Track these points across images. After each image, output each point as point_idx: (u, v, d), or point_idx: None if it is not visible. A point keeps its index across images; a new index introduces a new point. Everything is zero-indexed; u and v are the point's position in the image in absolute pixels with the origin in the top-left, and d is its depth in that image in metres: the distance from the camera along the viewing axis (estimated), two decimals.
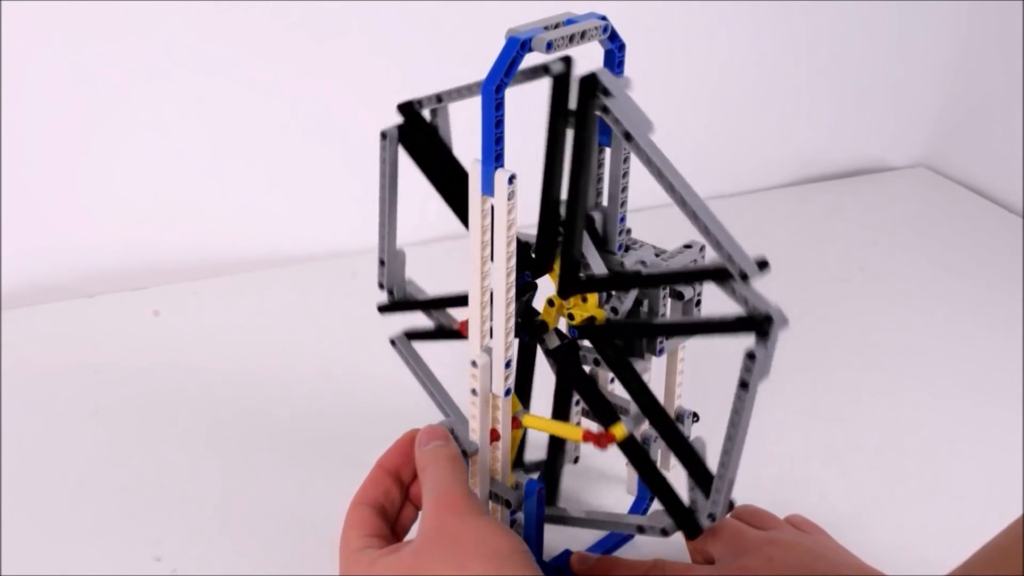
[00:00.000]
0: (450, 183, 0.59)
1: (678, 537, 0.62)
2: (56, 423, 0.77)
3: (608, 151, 0.57)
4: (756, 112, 1.16)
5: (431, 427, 0.58)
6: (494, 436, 0.58)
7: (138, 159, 0.94)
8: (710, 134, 1.14)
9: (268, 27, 0.92)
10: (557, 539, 0.64)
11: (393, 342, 0.65)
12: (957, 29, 1.18)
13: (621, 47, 0.54)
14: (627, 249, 0.59)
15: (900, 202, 1.18)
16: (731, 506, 0.54)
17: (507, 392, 0.57)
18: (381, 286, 0.64)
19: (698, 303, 0.60)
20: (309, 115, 0.97)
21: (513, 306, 0.55)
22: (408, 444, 0.58)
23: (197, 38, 0.91)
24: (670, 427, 0.55)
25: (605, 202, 0.59)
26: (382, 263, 0.63)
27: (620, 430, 0.55)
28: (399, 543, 0.54)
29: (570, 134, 0.53)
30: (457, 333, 0.63)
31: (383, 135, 0.59)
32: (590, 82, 0.50)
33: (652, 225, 0.66)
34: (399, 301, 0.64)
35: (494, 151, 0.51)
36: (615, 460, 0.70)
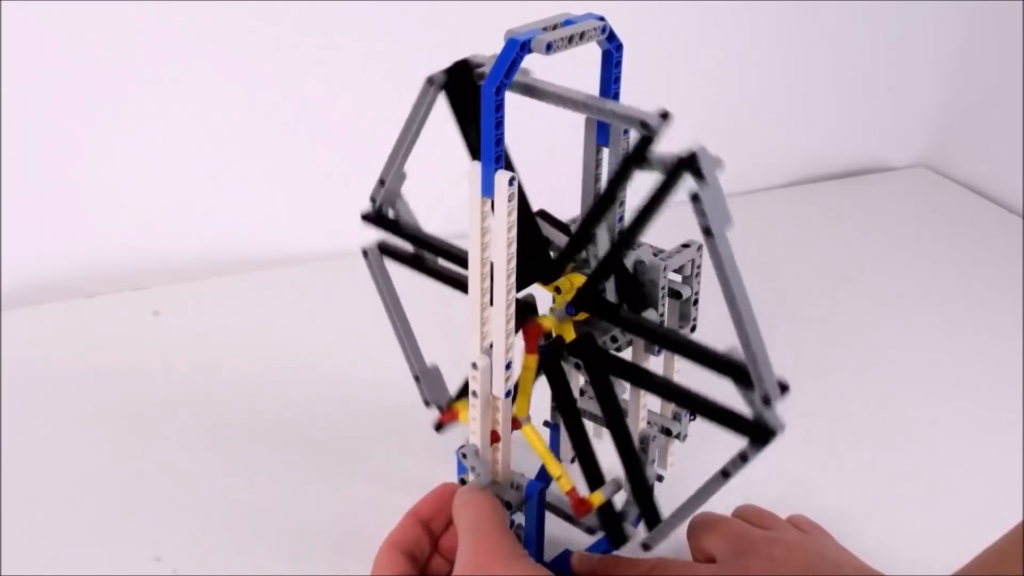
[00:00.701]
0: (447, 267, 0.60)
1: (680, 536, 0.62)
2: (56, 423, 0.77)
3: (606, 151, 0.57)
4: (756, 112, 1.16)
5: (472, 485, 0.58)
6: (494, 438, 0.58)
7: (138, 159, 0.94)
8: (710, 134, 1.12)
9: (268, 27, 0.92)
10: (557, 539, 0.64)
11: (365, 252, 0.62)
12: (957, 29, 1.18)
13: (619, 48, 0.54)
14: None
15: (900, 202, 1.18)
16: (784, 388, 0.51)
17: (507, 394, 0.57)
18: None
19: (695, 302, 0.60)
20: (309, 115, 0.97)
21: (513, 308, 0.55)
22: (443, 495, 0.58)
23: (197, 38, 0.91)
24: (633, 459, 0.56)
25: None
26: (382, 182, 0.60)
27: (598, 498, 0.57)
28: None
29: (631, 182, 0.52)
30: (436, 272, 0.61)
31: (429, 80, 0.57)
32: (688, 163, 0.47)
33: (653, 225, 0.66)
34: (384, 217, 0.61)
35: (494, 152, 0.51)
36: (614, 462, 0.70)
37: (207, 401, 0.79)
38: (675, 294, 0.59)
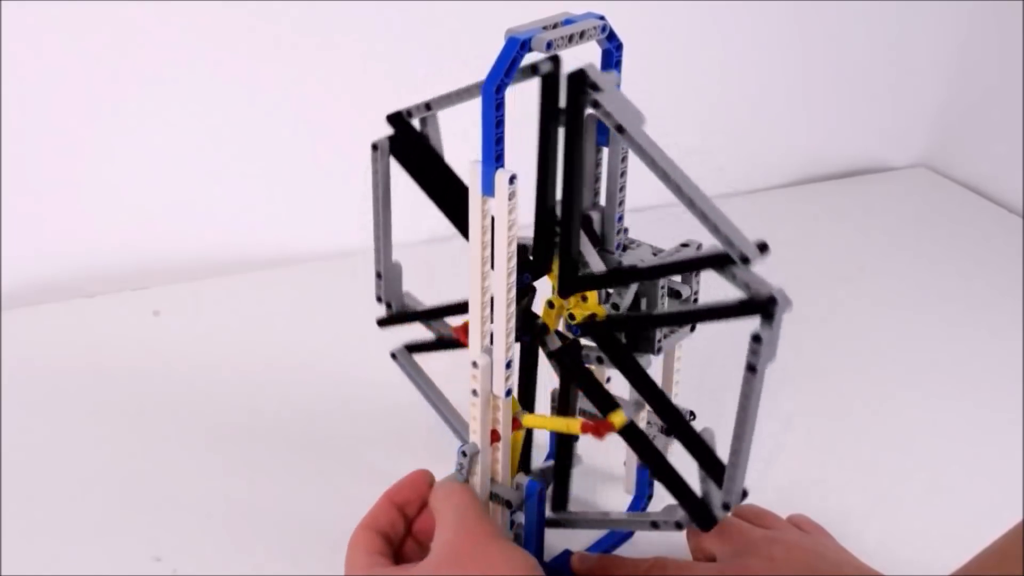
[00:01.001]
0: (445, 192, 0.59)
1: (679, 535, 0.62)
2: (56, 423, 0.77)
3: (606, 151, 0.57)
4: (756, 112, 1.16)
5: (451, 478, 0.58)
6: (495, 437, 0.59)
7: (138, 159, 0.94)
8: (710, 134, 1.14)
9: (268, 27, 0.92)
10: (557, 539, 0.64)
11: (394, 356, 0.66)
12: (957, 29, 1.18)
13: (619, 47, 0.54)
14: (625, 249, 0.59)
15: (900, 202, 1.18)
16: (745, 494, 0.53)
17: (507, 393, 0.57)
18: (379, 299, 0.64)
19: (695, 302, 0.60)
20: (309, 115, 0.97)
21: (514, 307, 0.55)
22: (417, 481, 0.58)
23: (198, 39, 0.91)
24: (678, 420, 0.55)
25: (603, 202, 0.59)
26: (379, 276, 0.63)
27: (619, 417, 0.55)
28: (409, 564, 0.54)
29: (562, 134, 0.53)
30: (457, 342, 0.63)
31: (374, 147, 0.59)
32: (578, 78, 0.50)
33: (652, 225, 0.66)
34: (398, 314, 0.64)
35: (494, 151, 0.51)
36: (615, 461, 0.70)
37: (207, 401, 0.79)
38: (675, 294, 0.59)
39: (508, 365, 0.56)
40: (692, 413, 0.62)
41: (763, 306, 0.47)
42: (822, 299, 0.96)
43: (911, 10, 1.16)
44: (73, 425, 0.76)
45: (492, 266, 0.54)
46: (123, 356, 0.85)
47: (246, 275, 0.98)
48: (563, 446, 0.62)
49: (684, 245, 0.59)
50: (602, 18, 0.52)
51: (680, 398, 0.64)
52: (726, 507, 0.52)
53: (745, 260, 0.47)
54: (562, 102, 0.52)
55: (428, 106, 0.57)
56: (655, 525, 0.57)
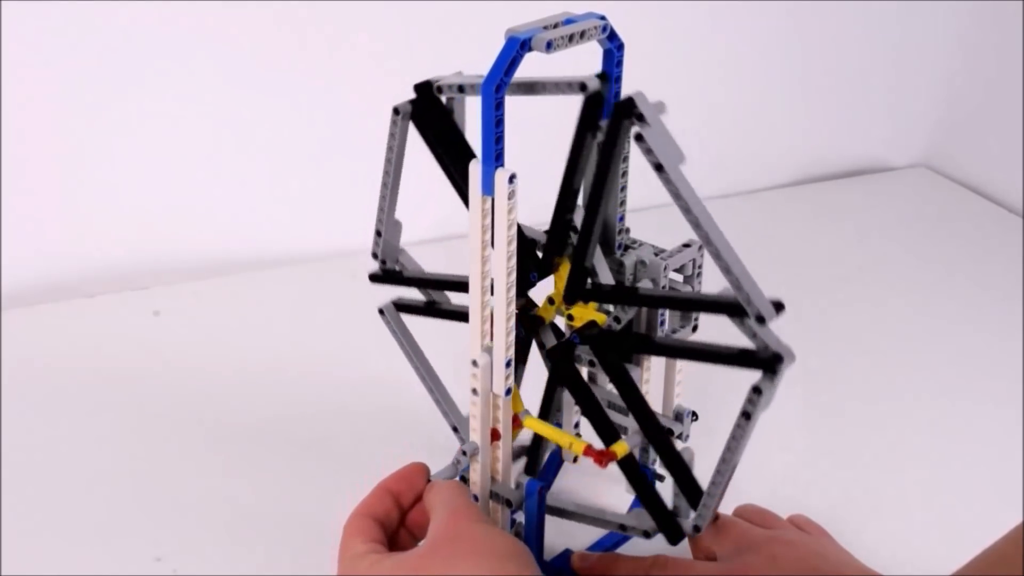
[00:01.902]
0: (460, 168, 0.59)
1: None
2: (56, 423, 0.77)
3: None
4: (756, 112, 1.16)
5: (444, 477, 0.59)
6: (495, 436, 0.59)
7: (138, 160, 0.94)
8: (710, 134, 1.14)
9: (269, 28, 0.92)
10: (558, 539, 0.64)
11: (381, 311, 0.65)
12: (957, 29, 1.18)
13: (620, 47, 0.54)
14: (626, 249, 0.59)
15: (900, 202, 1.18)
16: (716, 519, 0.56)
17: (507, 392, 0.57)
18: (375, 256, 0.63)
19: (696, 320, 0.60)
20: (309, 116, 0.97)
21: (513, 306, 0.55)
22: (413, 472, 0.58)
23: (198, 39, 0.91)
24: (660, 435, 0.55)
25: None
26: (378, 234, 0.62)
27: (622, 448, 0.56)
28: (403, 551, 0.54)
29: (595, 149, 0.53)
30: (449, 312, 0.63)
31: (395, 110, 0.58)
32: (627, 106, 0.49)
33: (653, 225, 0.66)
34: (390, 271, 0.63)
35: (494, 150, 0.51)
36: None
37: (207, 401, 0.79)
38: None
39: (508, 364, 0.56)
40: (695, 414, 0.62)
41: (768, 363, 0.48)
42: (822, 299, 0.96)
43: (911, 10, 1.16)
44: (73, 425, 0.76)
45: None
46: (123, 356, 0.85)
47: (246, 275, 0.98)
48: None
49: (686, 245, 0.59)
50: (603, 18, 0.52)
51: (683, 397, 0.64)
52: (696, 529, 0.54)
53: (761, 320, 0.48)
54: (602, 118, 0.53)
55: (461, 88, 0.56)
56: (623, 528, 0.59)
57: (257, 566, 0.65)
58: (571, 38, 0.50)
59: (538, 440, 0.64)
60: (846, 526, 0.68)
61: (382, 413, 0.77)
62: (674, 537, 0.56)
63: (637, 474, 0.57)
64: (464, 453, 0.58)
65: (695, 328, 0.61)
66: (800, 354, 0.87)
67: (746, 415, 0.49)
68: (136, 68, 0.90)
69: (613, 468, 0.66)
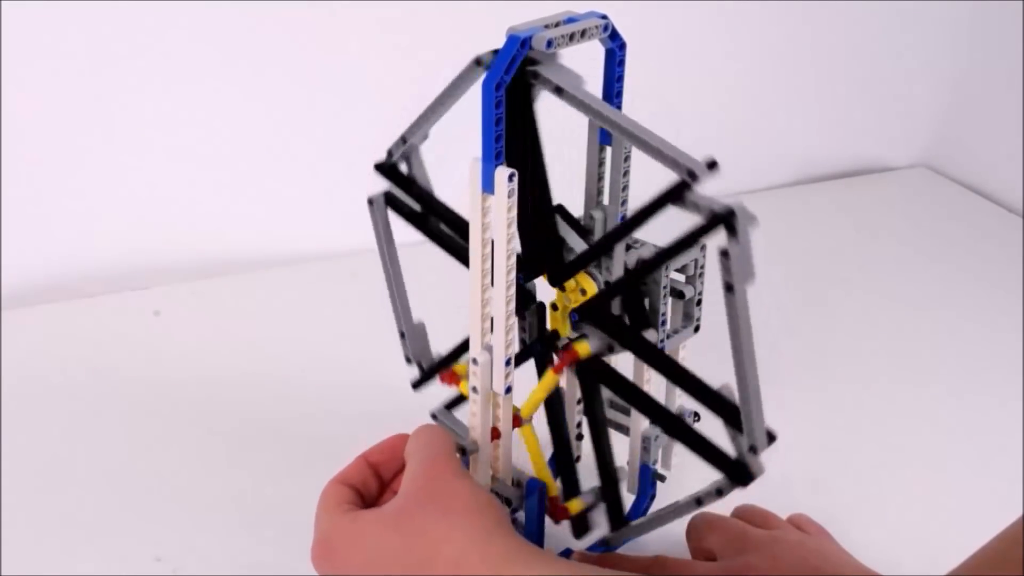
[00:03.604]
0: (449, 232, 0.59)
1: (679, 535, 0.62)
2: (56, 423, 0.76)
3: (609, 150, 0.57)
4: (756, 112, 1.16)
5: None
6: (495, 435, 0.59)
7: (138, 159, 0.94)
8: (710, 134, 1.14)
9: (268, 28, 0.92)
10: (558, 539, 0.64)
11: (370, 201, 0.61)
12: (957, 29, 1.18)
13: (622, 46, 0.54)
14: (628, 248, 0.59)
15: (900, 202, 1.18)
16: (772, 437, 0.52)
17: (507, 390, 0.57)
18: (408, 360, 0.64)
19: (699, 302, 0.60)
20: (310, 116, 0.97)
21: (513, 304, 0.55)
22: (395, 444, 0.58)
23: (198, 38, 0.91)
24: (697, 383, 0.54)
25: (606, 201, 0.59)
26: (402, 335, 0.63)
27: (583, 347, 0.56)
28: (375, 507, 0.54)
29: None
30: (436, 235, 0.61)
31: (369, 202, 0.59)
32: (725, 218, 0.47)
33: (656, 224, 0.66)
34: (430, 372, 0.64)
35: (494, 149, 0.51)
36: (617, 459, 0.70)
37: (207, 401, 0.79)
38: (678, 294, 0.59)
39: (508, 363, 0.56)
40: (696, 415, 0.62)
41: (724, 219, 0.46)
42: (822, 299, 0.96)
43: (911, 10, 1.16)
44: (73, 425, 0.76)
45: (492, 265, 0.54)
46: (123, 356, 0.85)
47: (246, 275, 0.98)
48: (605, 466, 0.61)
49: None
50: (605, 17, 0.52)
51: (684, 397, 0.64)
52: (752, 450, 0.51)
53: (692, 175, 0.46)
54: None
55: (404, 139, 0.57)
56: (699, 502, 0.56)
57: (257, 566, 0.65)
58: (572, 37, 0.50)
59: (611, 486, 0.63)
60: (845, 525, 0.68)
61: (382, 413, 0.76)
62: (744, 478, 0.52)
63: (670, 419, 0.56)
64: (464, 452, 0.58)
65: (697, 329, 0.61)
66: (800, 354, 0.87)
67: (728, 286, 0.47)
68: (136, 68, 0.90)
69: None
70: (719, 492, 0.55)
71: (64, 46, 0.87)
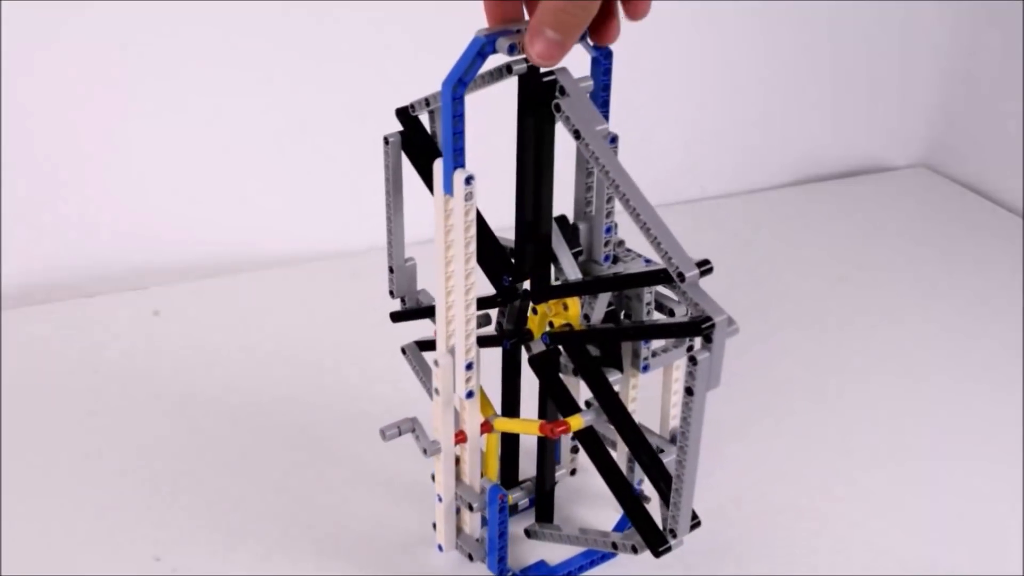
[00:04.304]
0: None
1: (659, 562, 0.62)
2: (56, 423, 0.77)
3: None
4: (756, 112, 1.16)
5: None
6: (461, 438, 0.59)
7: (138, 160, 0.94)
8: (710, 134, 1.14)
9: (268, 28, 0.92)
10: (531, 551, 0.64)
11: (404, 350, 0.65)
12: (957, 29, 1.18)
13: (607, 55, 0.54)
14: (616, 260, 0.59)
15: (900, 202, 1.18)
16: (696, 525, 0.54)
17: (468, 394, 0.57)
18: (392, 294, 0.64)
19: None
20: (309, 115, 0.97)
21: (473, 308, 0.55)
22: None
23: (198, 38, 0.91)
24: (638, 439, 0.55)
25: (593, 212, 0.59)
26: (391, 271, 0.63)
27: (577, 420, 0.56)
28: None
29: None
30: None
31: (385, 140, 0.58)
32: (549, 82, 0.50)
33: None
34: (411, 309, 0.64)
35: (453, 149, 0.50)
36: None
37: (207, 401, 0.79)
38: (669, 312, 0.58)
39: (469, 367, 0.56)
40: (661, 449, 0.62)
41: (698, 327, 0.46)
42: (821, 299, 0.96)
43: (911, 10, 1.16)
44: (73, 425, 0.76)
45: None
46: (123, 356, 0.85)
47: (246, 275, 0.98)
48: (543, 455, 0.62)
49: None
50: None
51: (678, 419, 0.64)
52: (672, 534, 0.53)
53: (680, 277, 0.47)
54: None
55: (427, 101, 0.57)
56: (615, 546, 0.58)
57: (257, 566, 0.65)
58: None
59: (544, 482, 0.64)
60: (843, 524, 0.68)
61: (382, 413, 0.77)
62: (655, 546, 0.54)
63: (603, 459, 0.57)
64: (425, 452, 0.59)
65: (690, 349, 0.59)
66: (798, 353, 0.87)
67: (688, 390, 0.47)
68: (136, 68, 0.90)
69: (599, 489, 0.66)
70: (634, 549, 0.56)
71: (64, 46, 0.87)
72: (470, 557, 0.63)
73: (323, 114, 0.98)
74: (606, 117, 0.55)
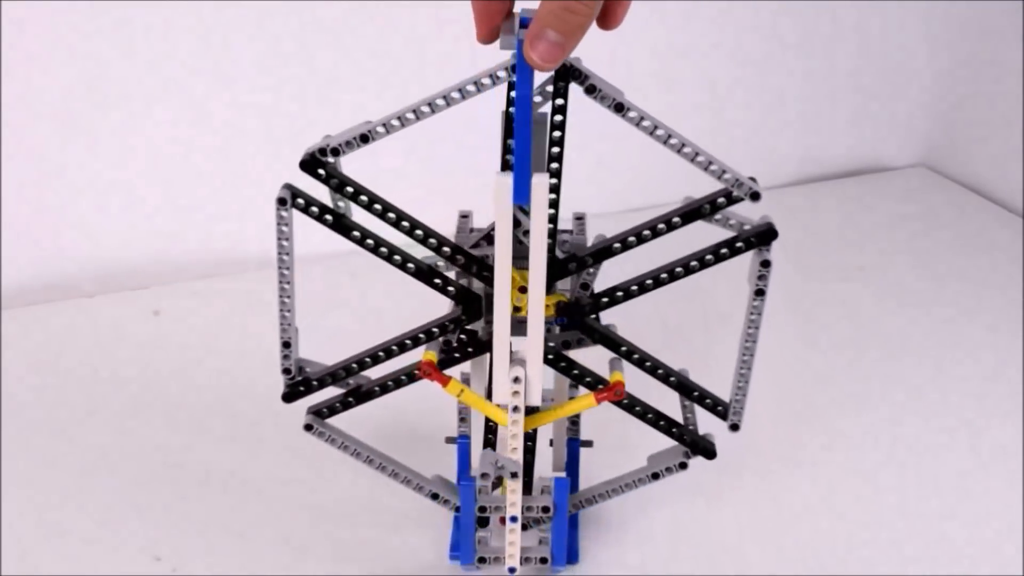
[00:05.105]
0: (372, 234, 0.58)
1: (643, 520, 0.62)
2: (56, 423, 0.77)
3: None
4: (756, 112, 1.16)
5: None
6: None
7: (138, 159, 0.94)
8: (710, 134, 1.13)
9: (266, 28, 0.92)
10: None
11: (308, 427, 0.61)
12: (957, 29, 1.18)
13: None
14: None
15: (900, 202, 1.18)
16: (734, 427, 0.60)
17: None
18: (286, 371, 0.60)
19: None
20: (309, 115, 0.97)
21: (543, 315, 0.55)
22: None
23: (197, 38, 0.91)
24: (668, 370, 0.59)
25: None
26: (286, 345, 0.60)
27: (618, 375, 0.58)
28: None
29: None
30: (370, 390, 0.60)
31: (280, 200, 0.58)
32: (564, 70, 0.50)
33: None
34: (304, 381, 0.61)
35: (526, 159, 0.50)
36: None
37: (207, 401, 0.79)
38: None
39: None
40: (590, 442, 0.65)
41: (766, 235, 0.56)
42: (822, 299, 0.96)
43: (911, 10, 1.16)
44: (73, 425, 0.76)
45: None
46: (123, 356, 0.85)
47: (246, 275, 0.98)
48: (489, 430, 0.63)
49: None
50: None
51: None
52: (734, 428, 0.60)
53: (755, 196, 0.55)
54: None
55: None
56: (656, 476, 0.62)
57: (257, 566, 0.65)
58: None
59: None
60: (844, 516, 0.68)
61: (381, 413, 0.77)
62: (709, 453, 0.61)
63: (643, 407, 0.60)
64: (513, 475, 0.58)
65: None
66: (799, 353, 0.87)
67: (760, 292, 0.56)
68: (136, 68, 0.90)
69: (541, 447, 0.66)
70: (682, 465, 0.62)
71: (64, 46, 0.87)
72: (543, 560, 0.62)
73: (323, 114, 0.98)
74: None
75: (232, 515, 0.68)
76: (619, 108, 0.51)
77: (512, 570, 0.61)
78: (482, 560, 0.62)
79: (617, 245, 0.55)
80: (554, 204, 0.53)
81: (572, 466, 0.66)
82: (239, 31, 0.92)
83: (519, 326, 0.55)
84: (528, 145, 0.50)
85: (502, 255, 0.53)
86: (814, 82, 1.17)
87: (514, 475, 0.57)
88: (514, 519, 0.59)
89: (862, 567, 0.65)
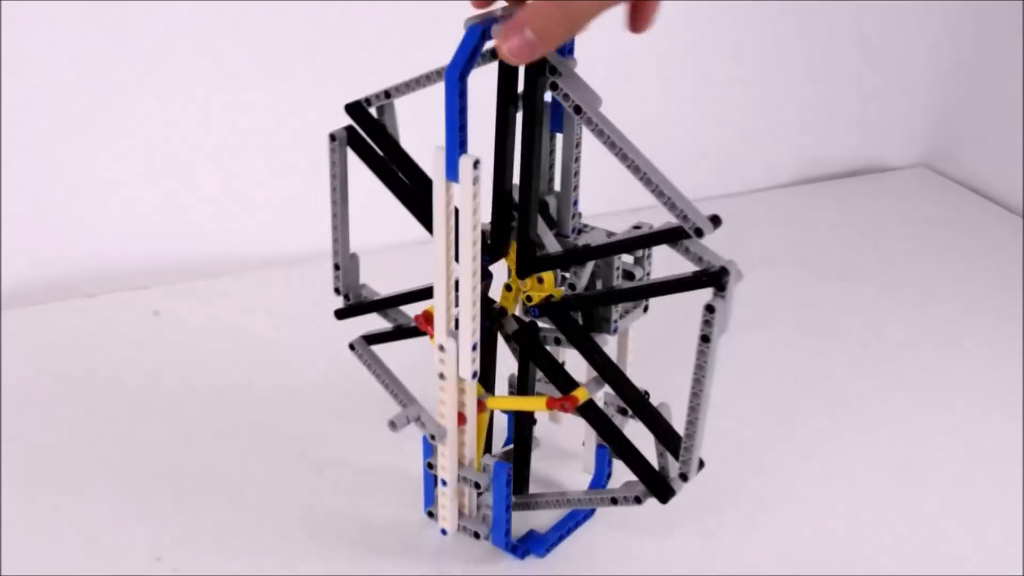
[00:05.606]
0: (404, 183, 0.60)
1: (647, 509, 0.62)
2: (56, 423, 0.77)
3: (560, 137, 0.58)
4: (756, 112, 1.16)
5: None
6: (461, 420, 0.59)
7: (138, 159, 0.94)
8: (711, 134, 1.14)
9: (266, 28, 0.92)
10: (519, 520, 0.65)
11: (352, 346, 0.66)
12: (957, 29, 1.18)
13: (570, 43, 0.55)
14: (579, 232, 0.60)
15: (900, 202, 1.18)
16: (701, 465, 0.56)
17: (474, 375, 0.57)
18: (337, 291, 0.65)
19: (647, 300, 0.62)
20: (309, 115, 0.97)
21: (479, 290, 0.56)
22: None
23: (197, 38, 0.91)
24: (636, 396, 0.57)
25: (558, 187, 0.59)
26: (337, 267, 0.64)
27: (582, 392, 0.57)
28: None
29: (519, 118, 0.54)
30: (414, 330, 0.64)
31: (331, 137, 0.59)
32: (537, 62, 0.50)
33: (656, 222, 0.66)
34: (355, 305, 0.65)
35: (458, 137, 0.51)
36: (573, 442, 0.72)
37: (206, 401, 0.79)
38: (628, 275, 0.60)
39: (474, 348, 0.56)
40: (646, 393, 0.62)
41: (716, 277, 0.49)
42: (821, 299, 0.96)
43: (911, 10, 1.16)
44: (73, 425, 0.76)
45: (457, 253, 0.54)
46: (123, 356, 0.85)
47: (246, 275, 0.98)
48: (521, 429, 0.64)
49: (636, 227, 0.59)
50: None
51: (634, 378, 0.64)
52: (683, 478, 0.55)
53: (699, 233, 0.49)
54: (519, 87, 0.53)
55: (387, 94, 0.57)
56: (615, 501, 0.59)
57: (257, 566, 0.65)
58: None
59: (524, 455, 0.65)
60: (841, 519, 0.68)
61: (381, 413, 0.77)
62: (663, 495, 0.56)
63: (606, 424, 0.58)
64: (433, 438, 0.60)
65: (646, 309, 0.62)
66: (798, 353, 0.87)
67: (705, 338, 0.50)
68: (136, 68, 0.90)
69: (570, 449, 0.67)
70: (637, 500, 0.58)
71: (64, 46, 0.87)
72: (476, 535, 0.64)
73: (323, 114, 0.98)
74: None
75: (232, 515, 0.68)
76: (577, 110, 0.51)
77: (444, 532, 0.64)
78: (430, 515, 0.66)
79: (581, 253, 0.56)
80: (498, 183, 0.54)
81: (600, 469, 0.68)
82: (239, 31, 0.92)
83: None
84: (455, 122, 0.51)
85: (439, 230, 0.54)
86: (814, 82, 1.17)
87: (433, 437, 0.60)
88: (444, 483, 0.62)
89: (862, 567, 0.65)
